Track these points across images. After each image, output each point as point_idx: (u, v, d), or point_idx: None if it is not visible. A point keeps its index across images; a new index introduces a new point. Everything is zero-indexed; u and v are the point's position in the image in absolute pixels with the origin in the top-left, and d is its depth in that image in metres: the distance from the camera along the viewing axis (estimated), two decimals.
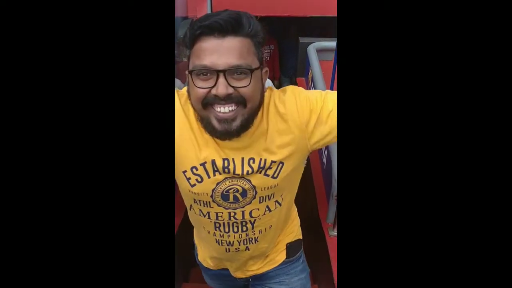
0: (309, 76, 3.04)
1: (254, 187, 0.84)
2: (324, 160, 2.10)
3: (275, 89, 0.86)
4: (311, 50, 3.14)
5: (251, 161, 0.82)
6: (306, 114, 0.80)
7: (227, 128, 0.72)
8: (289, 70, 4.18)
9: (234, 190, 0.84)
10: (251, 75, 0.70)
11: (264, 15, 3.90)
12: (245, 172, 0.82)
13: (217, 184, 0.84)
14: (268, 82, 2.69)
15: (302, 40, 3.51)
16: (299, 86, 2.96)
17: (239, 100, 0.71)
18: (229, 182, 0.84)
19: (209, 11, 3.44)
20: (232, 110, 0.71)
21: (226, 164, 0.81)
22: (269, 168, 0.83)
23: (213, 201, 0.86)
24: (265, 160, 0.82)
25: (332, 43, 2.75)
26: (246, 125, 0.75)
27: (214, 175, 0.83)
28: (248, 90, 0.70)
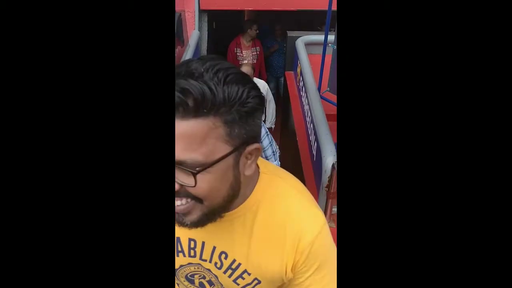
0: (298, 69, 3.06)
1: (222, 284, 0.68)
2: (314, 152, 2.12)
3: (288, 178, 0.66)
4: (299, 44, 3.15)
5: (223, 255, 0.63)
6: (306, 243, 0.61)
7: (180, 221, 0.54)
8: (276, 70, 4.12)
9: (200, 276, 0.68)
10: (196, 176, 0.49)
11: (251, 8, 3.90)
12: (212, 263, 0.65)
13: (181, 266, 0.68)
14: (261, 83, 2.63)
15: (290, 34, 3.52)
16: (288, 79, 2.95)
17: (190, 196, 0.52)
18: (194, 268, 0.67)
19: (196, 6, 3.43)
20: (183, 204, 0.52)
21: (192, 245, 0.64)
22: (241, 277, 0.64)
23: (177, 278, 0.72)
24: (239, 265, 0.63)
25: (320, 37, 2.76)
26: (207, 220, 0.55)
27: (177, 255, 0.66)
28: (196, 190, 0.50)
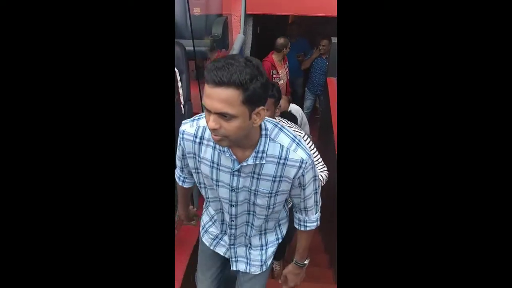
0: None
1: None
2: None
3: None
4: None
5: None
6: None
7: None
8: (316, 87, 3.97)
9: None
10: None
11: (297, 14, 3.91)
12: None
13: None
14: (295, 108, 2.57)
15: (334, 40, 3.49)
16: (329, 85, 2.90)
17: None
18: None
19: (243, 10, 3.49)
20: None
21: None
22: None
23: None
24: None
25: None
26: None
27: None
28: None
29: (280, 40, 3.41)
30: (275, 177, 1.00)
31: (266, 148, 0.96)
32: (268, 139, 0.97)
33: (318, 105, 4.26)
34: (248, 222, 1.14)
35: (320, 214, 1.16)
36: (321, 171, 1.69)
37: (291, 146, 0.97)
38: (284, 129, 1.00)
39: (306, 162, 0.97)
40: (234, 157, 0.98)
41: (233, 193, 1.05)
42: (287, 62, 3.60)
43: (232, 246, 1.23)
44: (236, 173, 1.00)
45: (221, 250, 1.27)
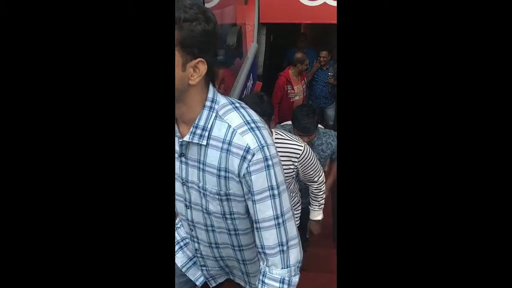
0: None
1: None
2: None
3: None
4: None
5: None
6: None
7: None
8: (319, 99, 3.84)
9: None
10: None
11: (310, 22, 3.93)
12: None
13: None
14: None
15: None
16: None
17: None
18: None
19: (256, 19, 3.53)
20: None
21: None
22: None
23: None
24: None
25: None
26: None
27: None
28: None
29: (297, 55, 3.29)
30: (220, 170, 0.76)
31: (208, 125, 0.74)
32: (214, 114, 0.74)
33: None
34: (211, 242, 0.90)
35: (297, 276, 0.79)
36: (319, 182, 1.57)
37: (240, 128, 0.73)
38: (242, 110, 0.76)
39: (253, 154, 0.71)
40: (179, 134, 0.78)
41: (185, 188, 0.85)
42: (305, 78, 3.48)
43: (204, 268, 0.99)
44: (183, 159, 0.80)
45: (194, 274, 1.02)
